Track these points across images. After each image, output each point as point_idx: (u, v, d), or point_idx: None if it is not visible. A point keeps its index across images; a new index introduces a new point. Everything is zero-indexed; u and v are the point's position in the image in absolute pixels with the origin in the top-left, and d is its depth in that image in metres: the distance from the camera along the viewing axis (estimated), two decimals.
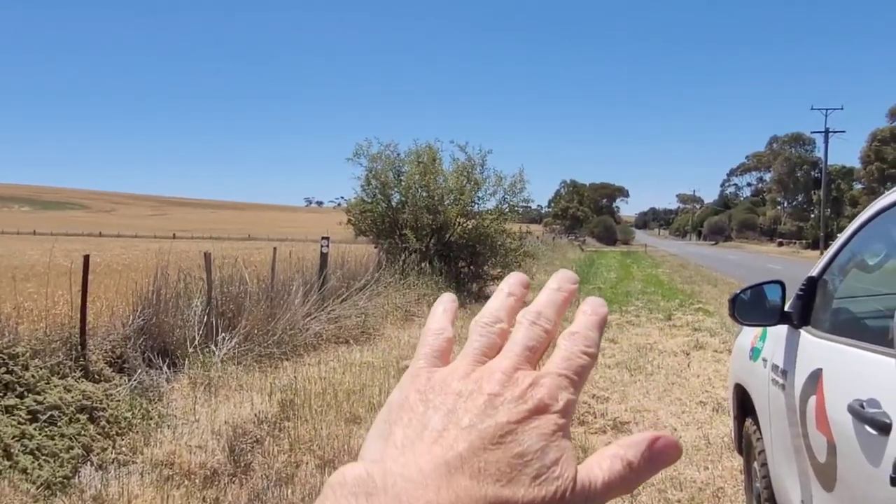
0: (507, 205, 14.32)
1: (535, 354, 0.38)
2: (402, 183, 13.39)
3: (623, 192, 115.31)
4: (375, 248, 13.23)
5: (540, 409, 0.34)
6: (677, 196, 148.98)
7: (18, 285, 6.19)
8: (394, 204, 13.66)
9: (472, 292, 13.76)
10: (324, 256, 9.22)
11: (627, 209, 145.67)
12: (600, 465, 0.35)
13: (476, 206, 14.06)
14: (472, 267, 14.28)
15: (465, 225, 13.69)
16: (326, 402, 5.73)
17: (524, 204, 15.06)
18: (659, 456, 0.36)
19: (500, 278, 14.54)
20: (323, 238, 9.42)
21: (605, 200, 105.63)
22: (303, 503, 3.92)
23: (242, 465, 4.33)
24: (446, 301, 0.44)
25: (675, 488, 4.21)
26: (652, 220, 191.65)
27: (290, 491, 4.06)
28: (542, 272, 17.78)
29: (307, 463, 4.49)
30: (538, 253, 20.54)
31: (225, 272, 7.50)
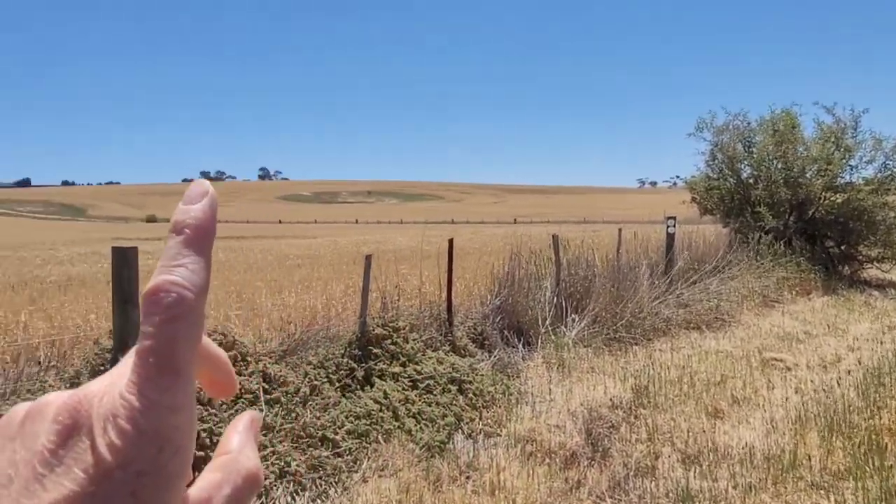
0: (889, 172, 12.02)
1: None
2: (754, 155, 12.09)
3: None
4: (724, 227, 12.21)
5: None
6: None
7: (393, 267, 7.01)
8: (744, 178, 12.43)
9: (843, 276, 11.89)
10: (670, 237, 8.75)
11: None
12: None
13: (847, 175, 12.07)
14: (843, 247, 12.33)
15: (832, 199, 11.85)
16: (683, 391, 5.37)
17: None
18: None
19: (881, 260, 12.32)
20: (668, 217, 8.94)
21: None
22: (667, 499, 3.68)
23: (600, 449, 4.25)
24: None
25: None
26: None
27: (652, 484, 3.85)
28: None
29: (668, 456, 4.23)
30: None
31: (571, 254, 7.55)
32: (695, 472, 3.97)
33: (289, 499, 3.39)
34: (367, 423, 4.10)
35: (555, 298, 6.84)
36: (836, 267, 12.02)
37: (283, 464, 3.49)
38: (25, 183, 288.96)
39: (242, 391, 3.83)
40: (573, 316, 6.75)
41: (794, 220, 11.82)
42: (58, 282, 10.38)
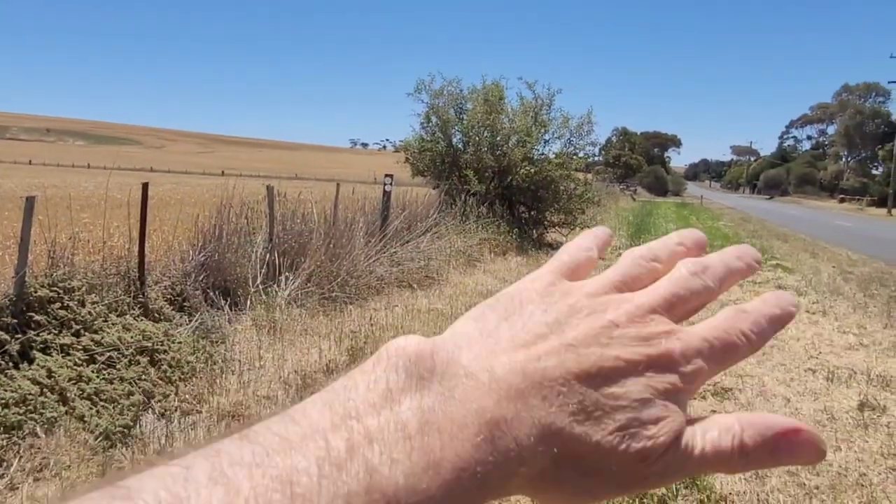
0: (573, 147, 13.52)
1: (683, 308, 0.32)
2: (465, 121, 12.67)
3: (675, 142, 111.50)
4: (434, 189, 12.65)
5: (663, 362, 0.29)
6: (731, 147, 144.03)
7: (74, 215, 5.83)
8: (454, 143, 12.98)
9: (532, 239, 13.15)
10: (387, 195, 8.69)
11: (678, 160, 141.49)
12: (705, 433, 0.29)
13: (541, 148, 13.29)
14: (533, 212, 13.61)
15: (528, 169, 12.97)
16: None
17: (591, 147, 14.16)
18: (791, 450, 0.29)
19: (561, 225, 13.89)
20: (386, 175, 8.87)
21: (656, 150, 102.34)
22: None
23: None
24: (600, 230, 0.38)
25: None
26: (703, 171, 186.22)
27: None
28: (595, 222, 16.91)
29: None
30: (601, 200, 19.63)
31: (286, 208, 7.03)
32: None
33: None
34: (21, 411, 3.21)
35: (268, 255, 6.29)
36: (528, 230, 13.23)
37: None
38: None
39: None
40: (287, 274, 6.28)
41: (496, 185, 12.68)
42: None
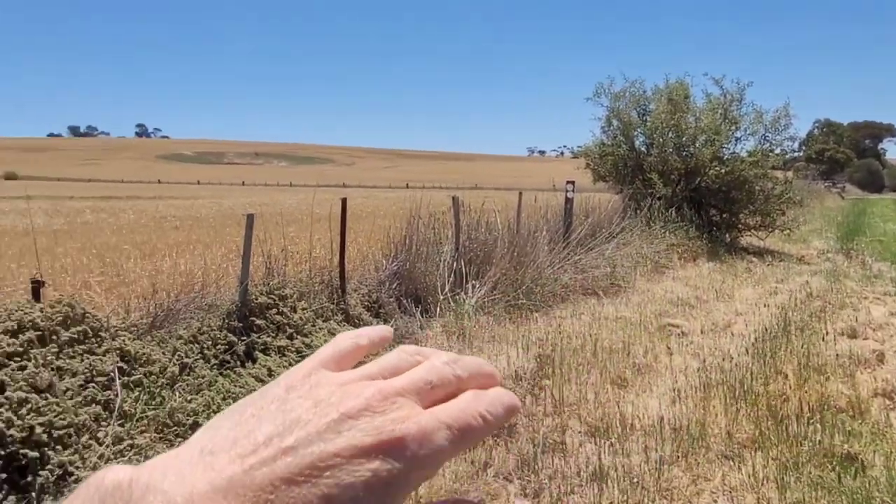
0: (768, 144, 12.52)
1: (432, 394, 0.32)
2: (648, 123, 12.22)
3: (892, 131, 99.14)
4: (617, 194, 12.33)
5: (392, 447, 0.29)
6: None
7: (283, 230, 6.42)
8: (637, 146, 12.56)
9: (725, 243, 12.34)
10: (569, 202, 8.61)
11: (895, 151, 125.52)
12: None
13: (732, 146, 12.46)
14: (725, 215, 12.78)
15: (718, 169, 12.20)
16: (586, 359, 5.20)
17: (789, 142, 12.99)
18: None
19: (757, 228, 12.89)
20: (568, 182, 8.80)
21: (867, 141, 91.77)
22: (578, 478, 3.44)
23: (506, 425, 3.95)
24: (380, 328, 0.39)
25: None
26: None
27: (562, 461, 3.60)
28: (797, 223, 15.38)
29: (576, 429, 4.01)
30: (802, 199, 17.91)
31: (471, 217, 7.22)
32: (605, 446, 3.76)
33: None
34: None
35: (454, 264, 6.49)
36: (719, 234, 12.45)
37: (143, 459, 2.93)
38: None
39: (94, 373, 3.21)
40: (473, 282, 6.44)
41: (683, 188, 12.09)
42: None
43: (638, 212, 10.94)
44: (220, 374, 3.83)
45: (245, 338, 4.15)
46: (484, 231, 7.13)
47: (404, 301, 5.87)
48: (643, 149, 12.46)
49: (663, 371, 5.13)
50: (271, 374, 3.91)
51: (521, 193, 8.08)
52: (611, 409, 4.25)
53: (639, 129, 12.44)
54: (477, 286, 6.39)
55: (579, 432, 3.99)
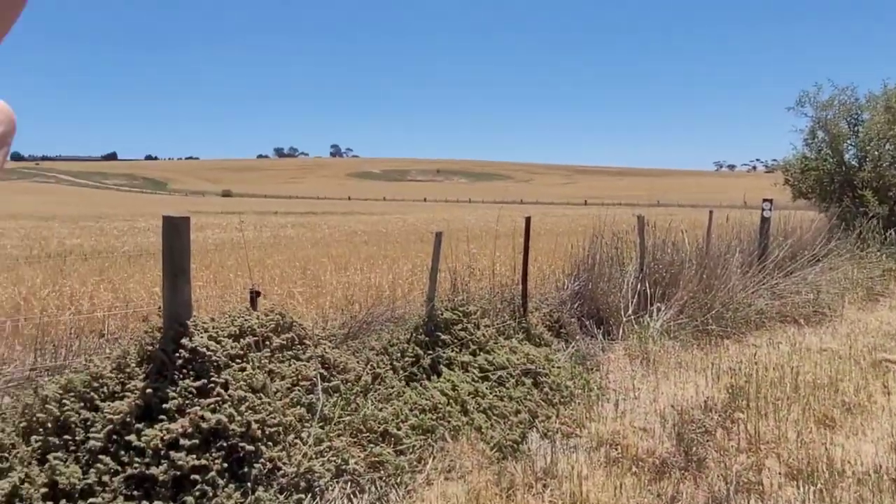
0: None
1: None
2: (860, 134, 11.04)
3: None
4: (820, 212, 11.25)
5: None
6: None
7: (463, 246, 6.60)
8: (847, 160, 11.39)
9: None
10: (766, 222, 8.00)
11: None
12: None
13: None
14: None
15: None
16: (786, 393, 4.78)
17: None
18: None
19: None
20: (765, 201, 8.18)
21: None
22: None
23: (695, 459, 3.74)
24: None
25: None
26: None
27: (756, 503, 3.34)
28: None
29: (774, 470, 3.70)
30: None
31: (657, 237, 6.96)
32: (809, 492, 3.43)
33: (345, 501, 3.05)
34: (434, 417, 3.72)
35: (638, 285, 6.28)
36: None
37: (340, 461, 3.15)
38: (112, 156, 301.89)
39: (300, 378, 3.51)
40: (658, 305, 6.19)
41: None
42: (129, 252, 10.45)
43: (847, 232, 9.90)
44: (408, 385, 4.01)
45: (431, 352, 4.32)
46: (671, 251, 6.83)
47: (586, 322, 5.78)
48: (854, 163, 11.27)
49: (879, 413, 4.58)
50: (455, 388, 4.03)
51: (711, 212, 7.65)
52: (816, 450, 3.86)
53: (849, 141, 11.28)
54: (662, 309, 6.14)
55: (779, 473, 3.67)
